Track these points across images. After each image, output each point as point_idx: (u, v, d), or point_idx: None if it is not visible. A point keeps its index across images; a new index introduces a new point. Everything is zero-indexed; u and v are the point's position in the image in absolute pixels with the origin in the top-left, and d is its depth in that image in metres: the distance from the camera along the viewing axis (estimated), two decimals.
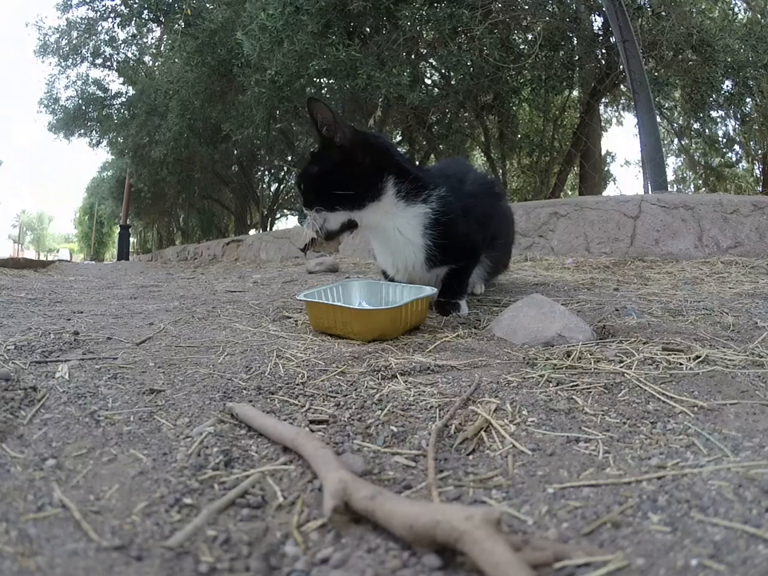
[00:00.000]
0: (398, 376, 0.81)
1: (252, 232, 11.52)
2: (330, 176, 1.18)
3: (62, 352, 0.93)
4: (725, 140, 7.91)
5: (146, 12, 7.77)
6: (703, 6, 6.14)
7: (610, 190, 12.48)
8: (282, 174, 11.35)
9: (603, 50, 5.79)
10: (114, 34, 8.44)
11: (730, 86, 5.64)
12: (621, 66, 4.85)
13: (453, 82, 5.75)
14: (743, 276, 2.03)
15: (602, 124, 8.59)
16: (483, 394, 0.72)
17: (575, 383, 0.75)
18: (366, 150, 1.20)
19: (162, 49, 8.68)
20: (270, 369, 0.85)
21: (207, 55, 5.99)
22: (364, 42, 4.97)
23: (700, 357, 0.82)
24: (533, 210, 3.34)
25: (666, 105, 7.36)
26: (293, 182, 11.45)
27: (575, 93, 7.46)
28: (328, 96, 6.84)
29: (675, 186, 10.55)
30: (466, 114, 6.65)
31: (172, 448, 0.57)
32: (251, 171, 10.99)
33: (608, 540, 0.40)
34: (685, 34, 4.94)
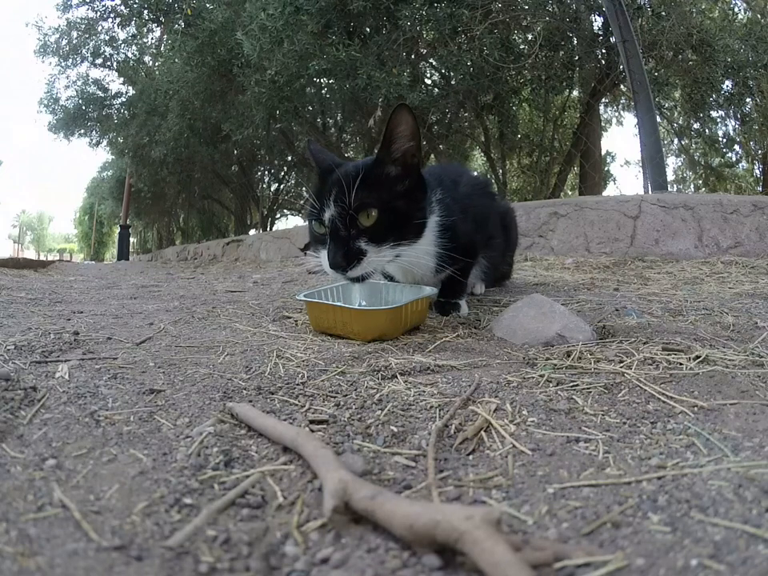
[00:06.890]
0: (398, 376, 0.81)
1: (252, 232, 11.51)
2: (407, 202, 1.07)
3: (62, 352, 0.93)
4: (725, 140, 7.91)
5: (146, 12, 7.77)
6: (703, 6, 6.13)
7: (610, 190, 12.48)
8: (282, 174, 11.34)
9: (603, 50, 5.78)
10: (114, 34, 8.46)
11: (730, 85, 5.64)
12: (621, 66, 4.85)
13: (453, 82, 5.75)
14: (743, 276, 2.03)
15: (602, 124, 8.60)
16: (483, 394, 0.72)
17: (575, 383, 0.75)
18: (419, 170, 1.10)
19: (161, 49, 8.67)
20: (270, 369, 0.85)
21: (207, 55, 5.99)
22: (364, 42, 4.96)
23: (700, 357, 0.82)
24: (533, 210, 3.34)
25: (666, 105, 7.37)
26: (293, 181, 11.46)
27: (575, 93, 7.47)
28: (328, 96, 6.84)
29: (675, 185, 10.56)
30: (466, 114, 6.65)
31: (172, 448, 0.57)
32: (251, 171, 10.98)
33: (608, 540, 0.40)
34: (685, 34, 4.94)
